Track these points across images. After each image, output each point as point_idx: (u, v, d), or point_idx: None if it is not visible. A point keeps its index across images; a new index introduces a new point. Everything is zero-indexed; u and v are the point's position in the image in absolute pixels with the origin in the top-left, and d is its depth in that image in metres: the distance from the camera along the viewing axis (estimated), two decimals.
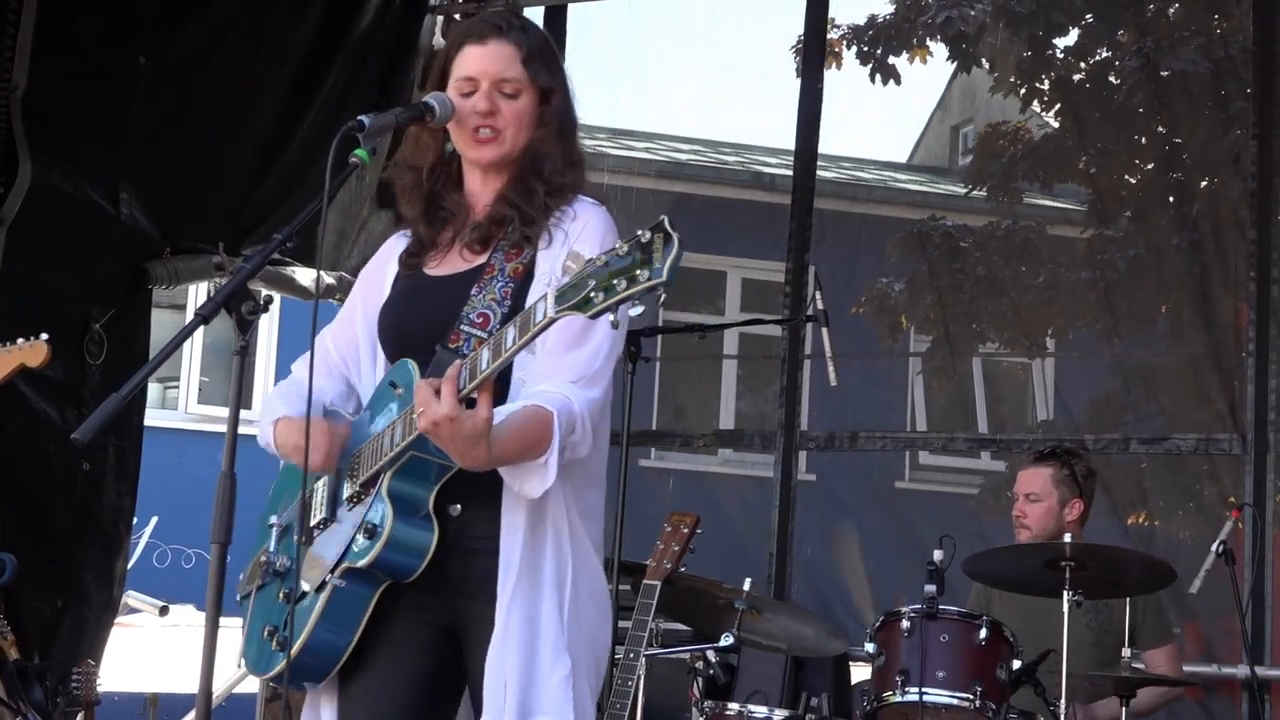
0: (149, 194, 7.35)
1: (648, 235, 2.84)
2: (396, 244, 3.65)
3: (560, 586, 3.32)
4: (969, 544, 5.68)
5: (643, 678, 5.22)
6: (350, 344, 3.62)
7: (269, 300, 3.26)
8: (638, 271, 2.84)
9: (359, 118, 3.36)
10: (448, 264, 3.51)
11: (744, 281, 12.00)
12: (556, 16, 8.44)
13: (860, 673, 6.40)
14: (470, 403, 3.09)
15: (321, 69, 8.02)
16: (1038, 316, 9.80)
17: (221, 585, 3.17)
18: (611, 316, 2.87)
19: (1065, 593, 5.18)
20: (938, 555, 5.27)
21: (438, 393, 3.07)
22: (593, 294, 2.87)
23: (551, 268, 3.31)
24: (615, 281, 2.85)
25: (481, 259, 3.44)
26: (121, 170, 7.26)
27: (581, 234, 3.37)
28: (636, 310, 2.88)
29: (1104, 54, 9.85)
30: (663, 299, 2.87)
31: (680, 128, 12.19)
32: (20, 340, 3.99)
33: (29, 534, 6.75)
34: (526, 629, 3.28)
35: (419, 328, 3.44)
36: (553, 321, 2.96)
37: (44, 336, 3.99)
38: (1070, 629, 5.16)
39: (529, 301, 3.27)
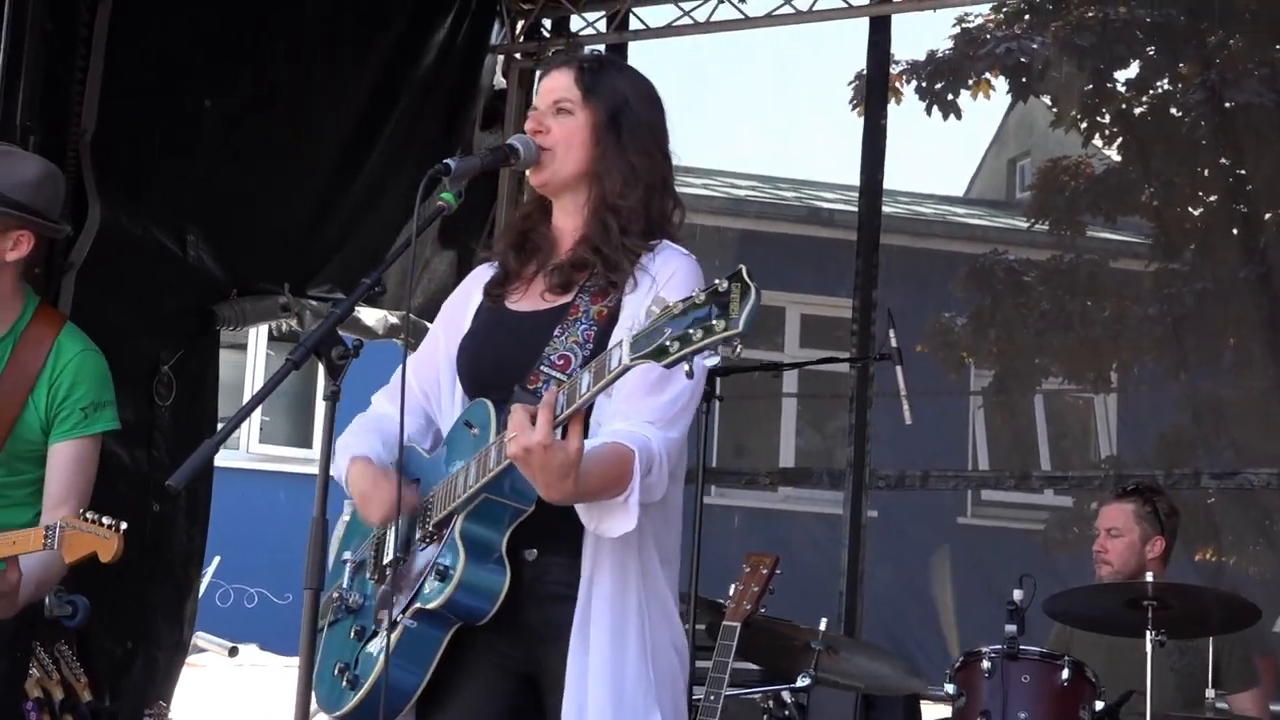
0: (215, 236, 7.39)
1: (725, 284, 2.82)
2: (482, 274, 3.61)
3: (643, 634, 3.28)
4: (1041, 581, 5.62)
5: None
6: (431, 377, 3.58)
7: (359, 345, 3.23)
8: (714, 321, 2.80)
9: (445, 161, 3.33)
10: (529, 299, 3.47)
11: (803, 317, 11.98)
12: (617, 54, 8.44)
13: (930, 713, 6.35)
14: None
15: (385, 110, 8.05)
16: (1103, 351, 9.75)
17: (315, 629, 3.15)
18: (686, 366, 2.85)
19: (1148, 632, 5.12)
20: (1018, 595, 5.21)
21: (533, 419, 3.02)
22: (668, 343, 2.84)
23: (635, 312, 3.25)
24: (691, 331, 2.82)
25: (565, 299, 3.41)
26: (188, 212, 7.30)
27: (670, 281, 3.31)
28: (712, 360, 2.85)
29: (1165, 86, 9.80)
30: (739, 350, 2.84)
31: (738, 164, 12.22)
32: (106, 521, 3.86)
33: (100, 575, 6.72)
34: (614, 680, 3.24)
35: (498, 365, 3.41)
36: (627, 369, 2.93)
37: (123, 527, 3.86)
38: (1153, 669, 5.11)
39: (610, 345, 3.27)
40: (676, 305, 2.86)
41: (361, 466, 3.43)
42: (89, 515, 3.81)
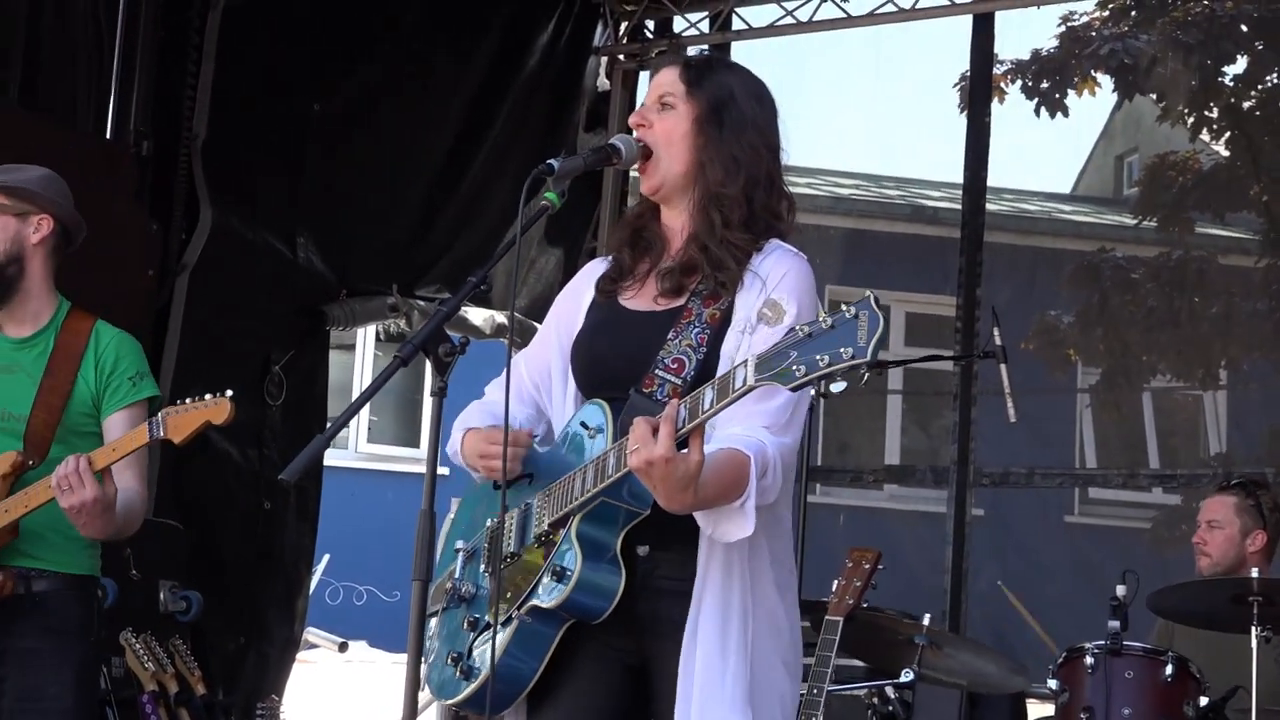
0: (324, 237, 7.51)
1: (853, 310, 2.82)
2: (595, 269, 3.64)
3: (744, 636, 3.29)
4: (1148, 579, 5.59)
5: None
6: (543, 369, 3.61)
7: (465, 343, 3.28)
8: (841, 348, 2.81)
9: (548, 161, 3.35)
10: (642, 298, 3.49)
11: (908, 316, 11.95)
12: (720, 54, 8.48)
13: (1036, 710, 6.32)
14: (679, 445, 3.07)
15: (489, 112, 8.13)
16: (1212, 347, 9.67)
17: (423, 622, 3.19)
18: (812, 390, 2.87)
19: (1253, 628, 5.07)
20: (1121, 590, 5.18)
21: (654, 431, 3.05)
22: (794, 366, 2.85)
23: (747, 314, 3.30)
24: (817, 356, 2.83)
25: (678, 302, 3.42)
26: (298, 215, 7.42)
27: (781, 282, 3.32)
28: (838, 386, 2.85)
29: (1274, 80, 9.71)
30: (865, 377, 2.85)
31: (842, 163, 12.19)
32: (208, 396, 4.09)
33: (213, 572, 6.89)
34: (718, 675, 3.26)
35: (612, 365, 3.43)
36: (751, 389, 2.96)
37: (229, 393, 4.08)
38: (1258, 665, 5.06)
39: (724, 347, 3.29)
40: (803, 328, 2.87)
41: (474, 433, 3.49)
42: (188, 399, 4.11)
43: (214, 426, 4.14)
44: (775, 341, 2.92)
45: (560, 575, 3.27)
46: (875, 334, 2.80)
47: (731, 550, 3.27)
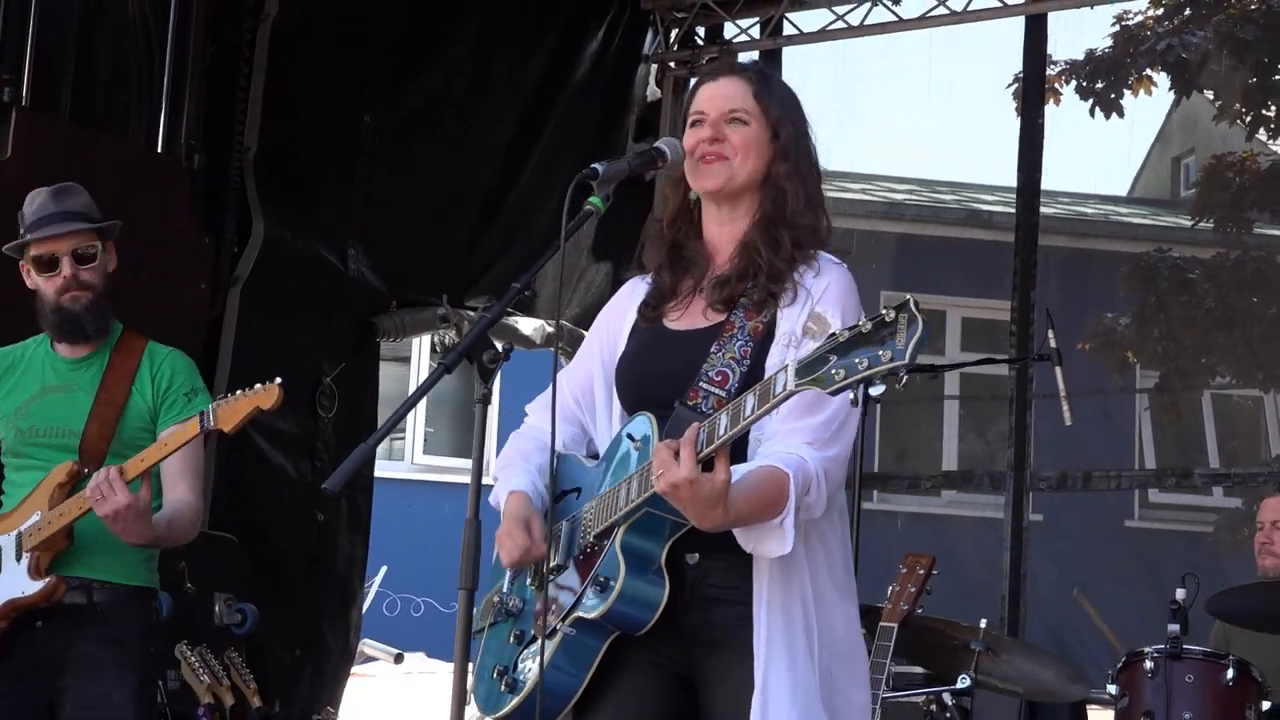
0: (375, 249, 7.52)
1: (892, 314, 2.81)
2: (634, 289, 3.59)
3: (810, 639, 3.26)
4: (1209, 583, 5.54)
5: None
6: (585, 389, 3.58)
7: (509, 349, 3.26)
8: (880, 351, 2.81)
9: (592, 165, 3.33)
10: (688, 318, 3.45)
11: (964, 321, 11.89)
12: (772, 60, 8.46)
13: (1096, 717, 6.26)
14: (708, 465, 3.06)
15: (539, 122, 8.13)
16: (1272, 348, 9.57)
17: (469, 630, 3.18)
18: (851, 394, 2.86)
19: None
20: (1180, 594, 5.13)
21: (676, 455, 3.05)
22: (833, 370, 2.85)
23: (791, 328, 3.26)
24: (856, 360, 2.83)
25: (722, 316, 3.39)
26: (349, 226, 7.43)
27: (825, 294, 3.30)
28: (877, 389, 2.84)
29: None
30: (904, 380, 2.83)
31: (896, 168, 12.15)
32: (257, 385, 4.11)
33: (267, 584, 6.89)
34: (789, 684, 3.23)
35: (657, 382, 3.40)
36: (792, 394, 2.94)
37: (277, 380, 4.08)
38: None
39: (768, 361, 3.26)
40: (843, 332, 2.87)
41: (513, 505, 3.46)
42: (238, 390, 4.13)
43: (265, 425, 4.13)
44: (816, 346, 2.90)
45: (603, 586, 3.25)
46: (914, 337, 2.79)
47: (789, 563, 3.23)
